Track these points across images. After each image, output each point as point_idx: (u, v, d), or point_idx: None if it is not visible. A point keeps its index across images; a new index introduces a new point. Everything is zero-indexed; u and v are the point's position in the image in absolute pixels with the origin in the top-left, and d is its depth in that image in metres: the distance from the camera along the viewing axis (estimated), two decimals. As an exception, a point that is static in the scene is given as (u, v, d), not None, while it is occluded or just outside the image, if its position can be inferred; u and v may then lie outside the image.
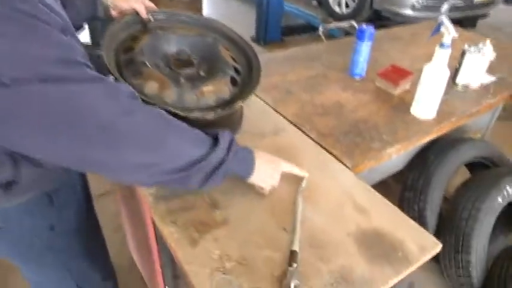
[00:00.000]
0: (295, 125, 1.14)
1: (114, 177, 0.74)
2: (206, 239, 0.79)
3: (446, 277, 1.50)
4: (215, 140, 0.76)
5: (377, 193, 0.91)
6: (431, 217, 1.50)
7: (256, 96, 1.26)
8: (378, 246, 0.78)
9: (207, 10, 5.06)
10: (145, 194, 0.90)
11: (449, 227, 1.45)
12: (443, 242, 1.46)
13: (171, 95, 0.89)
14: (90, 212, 0.99)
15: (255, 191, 0.88)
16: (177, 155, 0.69)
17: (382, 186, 0.94)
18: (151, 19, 1.03)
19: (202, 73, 0.97)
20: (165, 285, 1.15)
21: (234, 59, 1.02)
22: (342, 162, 1.00)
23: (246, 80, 1.02)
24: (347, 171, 0.97)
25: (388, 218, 0.84)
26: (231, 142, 0.78)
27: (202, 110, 0.90)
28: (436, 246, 0.78)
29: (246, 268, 0.74)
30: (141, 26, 1.02)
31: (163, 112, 0.71)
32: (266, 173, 0.84)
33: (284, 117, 1.17)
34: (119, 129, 0.60)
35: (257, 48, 3.97)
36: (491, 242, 1.45)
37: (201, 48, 1.03)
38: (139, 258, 1.55)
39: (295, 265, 0.72)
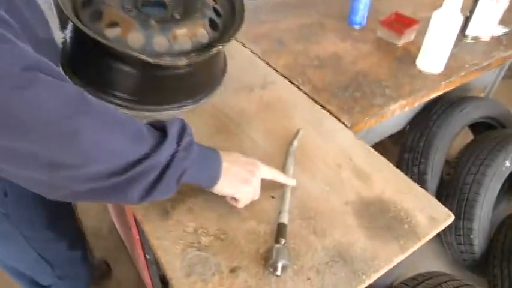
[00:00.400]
0: (286, 78, 1.00)
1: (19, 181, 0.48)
2: (180, 210, 0.67)
3: (446, 245, 1.42)
4: (163, 133, 0.54)
5: (380, 155, 0.79)
6: (432, 181, 1.40)
7: (244, 46, 1.11)
8: (381, 218, 0.67)
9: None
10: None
11: (451, 192, 1.35)
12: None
13: (138, 39, 0.74)
14: None
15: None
16: (103, 152, 0.46)
17: (378, 148, 0.82)
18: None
19: (177, 15, 0.82)
20: (145, 254, 1.04)
21: (216, 11, 0.86)
22: (340, 120, 0.88)
23: (228, 24, 0.87)
24: (345, 130, 0.84)
25: (393, 184, 0.72)
26: (182, 131, 0.55)
27: (174, 55, 0.75)
28: (448, 218, 0.67)
29: (225, 244, 0.62)
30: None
31: (86, 94, 0.47)
32: (238, 179, 0.63)
33: (274, 69, 1.03)
34: (11, 106, 0.40)
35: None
36: (494, 208, 1.36)
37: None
38: (119, 224, 1.45)
39: (283, 241, 0.60)
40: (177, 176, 0.53)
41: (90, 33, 0.69)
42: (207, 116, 0.85)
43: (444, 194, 1.37)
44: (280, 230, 0.62)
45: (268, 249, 0.59)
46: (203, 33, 0.79)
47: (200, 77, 0.87)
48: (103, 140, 0.46)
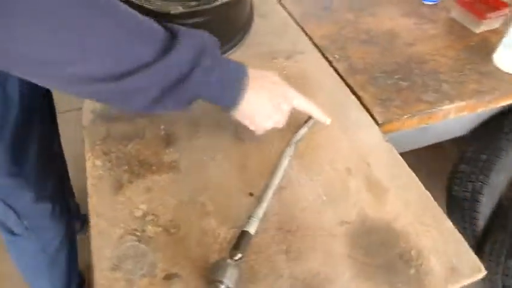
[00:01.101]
0: (320, 50, 0.82)
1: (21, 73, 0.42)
2: (136, 186, 0.55)
3: (487, 283, 1.19)
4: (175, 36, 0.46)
5: (409, 169, 0.60)
6: (487, 204, 1.16)
7: (281, 5, 0.94)
8: (382, 252, 0.50)
9: None
10: (87, 108, 0.67)
11: (508, 223, 1.10)
12: (493, 241, 1.14)
13: None
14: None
15: (235, 131, 0.62)
16: (108, 50, 0.41)
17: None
18: None
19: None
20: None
21: None
22: (370, 113, 0.69)
23: None
24: (373, 127, 0.66)
25: (414, 209, 0.54)
26: (205, 44, 0.48)
27: (170, 1, 0.61)
28: (477, 273, 0.48)
29: (172, 240, 0.50)
30: None
31: None
32: (265, 103, 0.54)
33: (309, 37, 0.85)
34: None
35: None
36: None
37: None
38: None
39: (238, 256, 0.46)
40: (190, 92, 0.48)
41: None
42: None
43: (498, 223, 1.13)
44: (239, 241, 0.47)
45: (221, 259, 0.46)
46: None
47: (212, 31, 0.72)
48: (112, 35, 0.41)
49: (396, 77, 0.78)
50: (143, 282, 0.46)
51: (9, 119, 0.67)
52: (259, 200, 0.52)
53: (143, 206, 0.53)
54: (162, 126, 0.63)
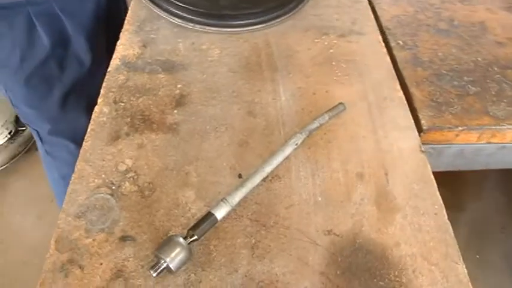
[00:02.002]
0: (383, 33, 0.71)
1: None
2: (130, 140, 0.53)
3: None
4: None
5: (436, 190, 0.49)
6: None
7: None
8: (363, 279, 0.42)
9: None
10: (118, 54, 0.66)
11: None
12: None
13: None
14: None
15: (249, 106, 0.56)
16: None
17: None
18: None
19: None
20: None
21: None
22: (415, 114, 0.58)
23: None
24: (411, 132, 0.56)
25: (422, 242, 0.44)
26: None
27: None
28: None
29: (142, 203, 0.47)
30: None
31: None
32: None
33: (377, 17, 0.74)
34: None
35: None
36: None
37: None
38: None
39: (193, 237, 0.42)
40: None
41: None
42: (251, 45, 0.66)
43: None
44: (200, 222, 0.43)
45: (169, 237, 0.42)
46: None
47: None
48: None
49: (467, 79, 0.65)
50: (99, 236, 0.44)
51: (34, 56, 0.71)
52: (241, 184, 0.47)
53: (129, 162, 0.51)
54: (179, 85, 0.60)
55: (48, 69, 0.78)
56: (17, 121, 1.48)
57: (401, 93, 0.61)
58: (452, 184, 1.10)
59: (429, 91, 0.62)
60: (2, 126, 1.37)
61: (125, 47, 0.66)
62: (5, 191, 1.35)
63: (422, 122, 0.58)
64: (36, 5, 0.72)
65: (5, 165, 1.39)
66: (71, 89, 0.82)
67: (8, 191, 1.36)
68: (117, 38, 0.70)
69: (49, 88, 0.80)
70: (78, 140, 0.89)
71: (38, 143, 0.92)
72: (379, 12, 0.75)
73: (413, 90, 0.62)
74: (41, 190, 1.28)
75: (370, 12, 0.74)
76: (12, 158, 1.40)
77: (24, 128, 1.49)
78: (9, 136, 1.40)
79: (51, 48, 0.76)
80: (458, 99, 0.62)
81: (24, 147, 1.44)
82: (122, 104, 0.58)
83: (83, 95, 0.83)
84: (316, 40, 0.68)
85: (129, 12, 0.73)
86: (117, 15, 0.89)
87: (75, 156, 0.89)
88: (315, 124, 0.54)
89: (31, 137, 1.47)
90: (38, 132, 0.88)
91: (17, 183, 1.37)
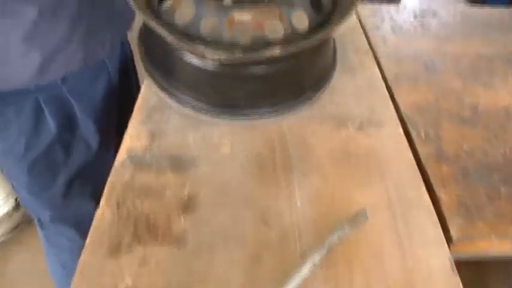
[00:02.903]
0: (404, 123, 0.68)
1: None
2: (133, 255, 0.49)
3: None
4: None
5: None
6: None
7: (375, 58, 0.81)
8: None
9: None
10: (124, 147, 0.63)
11: None
12: None
13: (183, 13, 0.55)
14: None
15: (262, 214, 0.52)
16: None
17: None
18: None
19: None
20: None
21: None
22: (443, 221, 0.53)
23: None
24: (440, 246, 0.50)
25: None
26: None
27: (212, 47, 0.53)
28: None
29: None
30: None
31: None
32: None
33: (396, 105, 0.71)
34: None
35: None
36: None
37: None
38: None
39: None
40: None
41: (132, 2, 0.53)
42: (265, 138, 0.63)
43: None
44: None
45: None
46: (277, 26, 0.55)
47: (274, 82, 0.64)
48: None
49: (497, 177, 0.60)
50: None
51: (40, 142, 0.68)
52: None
53: (129, 281, 0.46)
54: (187, 186, 0.57)
55: (53, 155, 0.75)
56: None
57: (427, 197, 0.56)
58: (478, 266, 1.01)
59: (457, 193, 0.57)
60: (8, 194, 1.34)
61: (133, 138, 0.64)
62: (7, 263, 1.31)
63: (452, 231, 0.52)
64: (45, 90, 0.70)
65: (9, 235, 1.35)
66: (77, 174, 0.79)
67: (10, 262, 1.31)
68: (127, 118, 0.68)
69: (53, 175, 0.77)
70: (81, 228, 0.86)
71: (38, 229, 0.88)
72: (398, 99, 0.72)
73: (439, 192, 0.57)
74: (43, 264, 1.23)
75: (389, 100, 0.71)
76: (16, 227, 1.37)
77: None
78: (14, 204, 1.37)
79: (57, 133, 0.74)
80: (489, 201, 0.57)
81: (29, 217, 1.41)
82: (125, 209, 0.54)
83: (88, 180, 0.80)
84: (333, 133, 0.64)
85: (139, 98, 0.71)
86: (129, 93, 0.88)
87: (77, 244, 0.85)
88: (334, 238, 0.49)
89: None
90: (38, 218, 0.84)
91: (19, 255, 1.33)
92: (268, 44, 0.53)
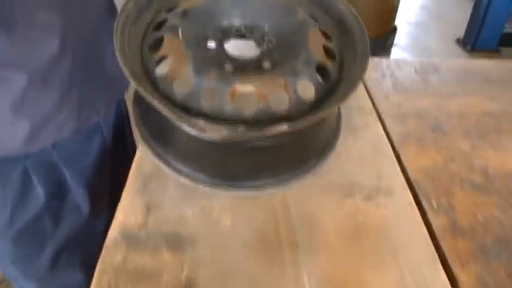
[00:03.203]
0: (414, 191, 0.64)
1: None
2: None
3: None
4: None
5: None
6: None
7: (380, 120, 0.78)
8: None
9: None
10: (117, 221, 0.59)
11: None
12: None
13: (182, 83, 0.52)
14: None
15: None
16: None
17: None
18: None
19: (267, 65, 0.57)
20: None
21: (328, 53, 0.58)
22: (467, 310, 0.49)
23: (348, 69, 0.58)
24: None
25: None
26: None
27: (215, 122, 0.50)
28: None
29: None
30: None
31: None
32: None
33: (404, 169, 0.68)
34: None
35: (460, 54, 3.17)
36: None
37: (282, 28, 0.62)
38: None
39: None
40: None
41: (126, 71, 0.51)
42: (268, 211, 0.59)
43: None
44: None
45: None
46: (280, 97, 0.52)
47: (278, 153, 0.60)
48: None
49: (518, 252, 0.56)
50: None
51: (26, 212, 0.64)
52: None
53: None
54: (185, 268, 0.52)
55: (41, 224, 0.71)
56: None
57: (444, 276, 0.52)
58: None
59: (476, 271, 0.53)
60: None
61: (126, 212, 0.59)
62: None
63: (477, 319, 0.48)
64: (34, 156, 0.67)
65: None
66: (65, 244, 0.74)
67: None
68: (121, 178, 0.63)
69: (40, 245, 0.72)
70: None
71: None
72: (405, 163, 0.69)
73: (457, 271, 0.53)
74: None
75: (396, 164, 0.68)
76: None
77: None
78: None
79: (46, 202, 0.70)
80: (510, 280, 0.52)
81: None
82: (118, 297, 0.49)
83: (77, 250, 0.75)
84: (340, 203, 0.61)
85: (133, 164, 0.68)
86: (123, 150, 0.85)
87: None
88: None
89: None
90: None
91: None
92: (273, 118, 0.50)
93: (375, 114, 0.80)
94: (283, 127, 0.46)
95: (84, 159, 0.74)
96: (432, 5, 4.36)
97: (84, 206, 0.75)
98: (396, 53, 3.23)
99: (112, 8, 0.73)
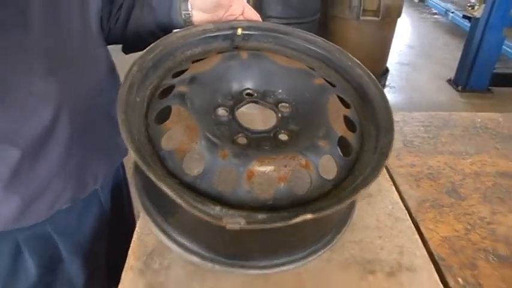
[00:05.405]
0: (437, 266, 0.60)
1: None
2: None
3: None
4: None
5: None
6: None
7: (394, 184, 0.74)
8: None
9: (402, 33, 4.45)
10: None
11: None
12: None
13: (194, 162, 0.48)
14: None
15: None
16: None
17: None
18: (239, 33, 0.64)
19: (283, 137, 0.54)
20: None
21: (350, 123, 0.55)
22: None
23: (368, 145, 0.55)
24: None
25: None
26: None
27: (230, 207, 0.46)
28: None
29: None
30: (222, 40, 0.65)
31: None
32: None
33: (424, 241, 0.64)
34: None
35: (452, 94, 3.21)
36: None
37: (298, 93, 0.59)
38: None
39: None
40: None
41: (133, 152, 0.46)
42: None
43: None
44: None
45: None
46: (302, 178, 0.48)
47: (291, 231, 0.56)
48: None
49: None
50: None
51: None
52: None
53: None
54: None
55: None
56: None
57: None
58: None
59: None
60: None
61: (128, 297, 0.54)
62: None
63: None
64: (26, 230, 0.61)
65: None
66: None
67: None
68: (118, 246, 0.57)
69: None
70: None
71: None
72: (425, 234, 0.65)
73: None
74: None
75: (417, 236, 0.64)
76: None
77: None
78: None
79: (38, 276, 0.64)
80: None
81: None
82: None
83: None
84: (361, 282, 0.56)
85: (134, 238, 0.62)
86: (121, 216, 0.79)
87: None
88: None
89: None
90: None
91: None
92: (294, 200, 0.46)
93: (387, 176, 0.76)
94: (308, 216, 0.42)
95: (81, 230, 0.69)
96: (419, 44, 4.48)
97: (79, 277, 0.69)
98: (389, 93, 3.26)
99: (113, 69, 0.70)
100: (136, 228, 0.63)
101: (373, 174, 0.48)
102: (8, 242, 0.61)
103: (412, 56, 4.16)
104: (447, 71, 3.58)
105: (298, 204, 0.46)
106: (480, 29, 2.99)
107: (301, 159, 0.48)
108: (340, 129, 0.53)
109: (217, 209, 0.43)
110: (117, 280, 0.54)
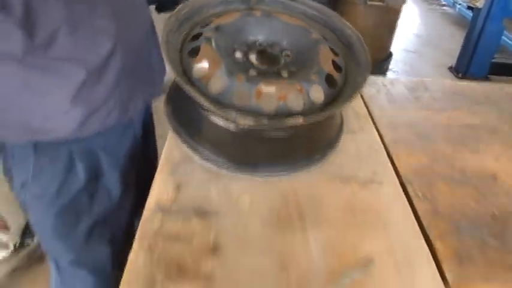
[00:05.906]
0: (402, 184, 0.76)
1: None
2: (165, 292, 0.54)
3: None
4: None
5: None
6: None
7: (375, 125, 0.91)
8: None
9: (410, 22, 4.56)
10: (153, 198, 0.69)
11: None
12: None
13: (217, 83, 0.65)
14: None
15: (281, 260, 0.58)
16: None
17: None
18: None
19: (285, 74, 0.70)
20: None
21: (336, 66, 0.71)
22: (441, 270, 0.60)
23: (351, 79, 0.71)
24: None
25: None
26: None
27: (241, 113, 0.62)
28: None
29: None
30: (240, 2, 0.81)
31: None
32: None
33: (395, 167, 0.80)
34: None
35: (451, 79, 3.34)
36: None
37: (298, 45, 0.75)
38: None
39: None
40: None
41: (173, 70, 0.63)
42: (279, 193, 0.70)
43: None
44: None
45: None
46: (296, 100, 0.65)
47: (291, 146, 0.73)
48: None
49: (485, 230, 0.68)
50: None
51: (69, 190, 0.76)
52: None
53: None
54: (211, 233, 0.63)
55: (79, 202, 0.81)
56: (24, 234, 1.50)
57: (425, 245, 0.63)
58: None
59: (451, 245, 0.65)
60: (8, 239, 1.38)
61: (160, 189, 0.71)
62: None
63: (448, 276, 0.59)
64: (77, 142, 0.78)
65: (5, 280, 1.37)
66: (97, 221, 0.84)
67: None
68: (144, 174, 0.74)
69: (77, 220, 0.82)
70: (97, 272, 0.90)
71: (53, 272, 0.91)
72: (396, 163, 0.81)
73: (438, 245, 0.64)
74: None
75: (389, 162, 0.80)
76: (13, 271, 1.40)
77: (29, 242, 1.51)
78: (13, 249, 1.41)
79: (85, 182, 0.81)
80: (480, 252, 0.64)
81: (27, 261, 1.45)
82: (157, 252, 0.60)
83: (107, 227, 0.85)
84: (338, 189, 0.72)
85: (164, 151, 0.79)
86: (146, 153, 0.97)
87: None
88: (346, 281, 0.55)
89: (35, 251, 1.49)
90: (56, 263, 0.88)
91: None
92: (290, 114, 0.62)
93: (371, 121, 0.92)
94: (299, 119, 0.59)
95: (119, 151, 0.85)
96: (426, 33, 4.59)
97: (116, 190, 0.86)
98: (391, 76, 3.41)
99: (152, 23, 0.86)
100: (164, 148, 0.80)
101: (348, 99, 0.64)
102: (64, 151, 0.78)
103: (418, 44, 4.28)
104: (450, 60, 3.70)
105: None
106: (481, 19, 3.12)
107: (297, 85, 0.64)
108: (328, 69, 0.70)
109: (234, 113, 0.60)
110: (143, 203, 0.69)
